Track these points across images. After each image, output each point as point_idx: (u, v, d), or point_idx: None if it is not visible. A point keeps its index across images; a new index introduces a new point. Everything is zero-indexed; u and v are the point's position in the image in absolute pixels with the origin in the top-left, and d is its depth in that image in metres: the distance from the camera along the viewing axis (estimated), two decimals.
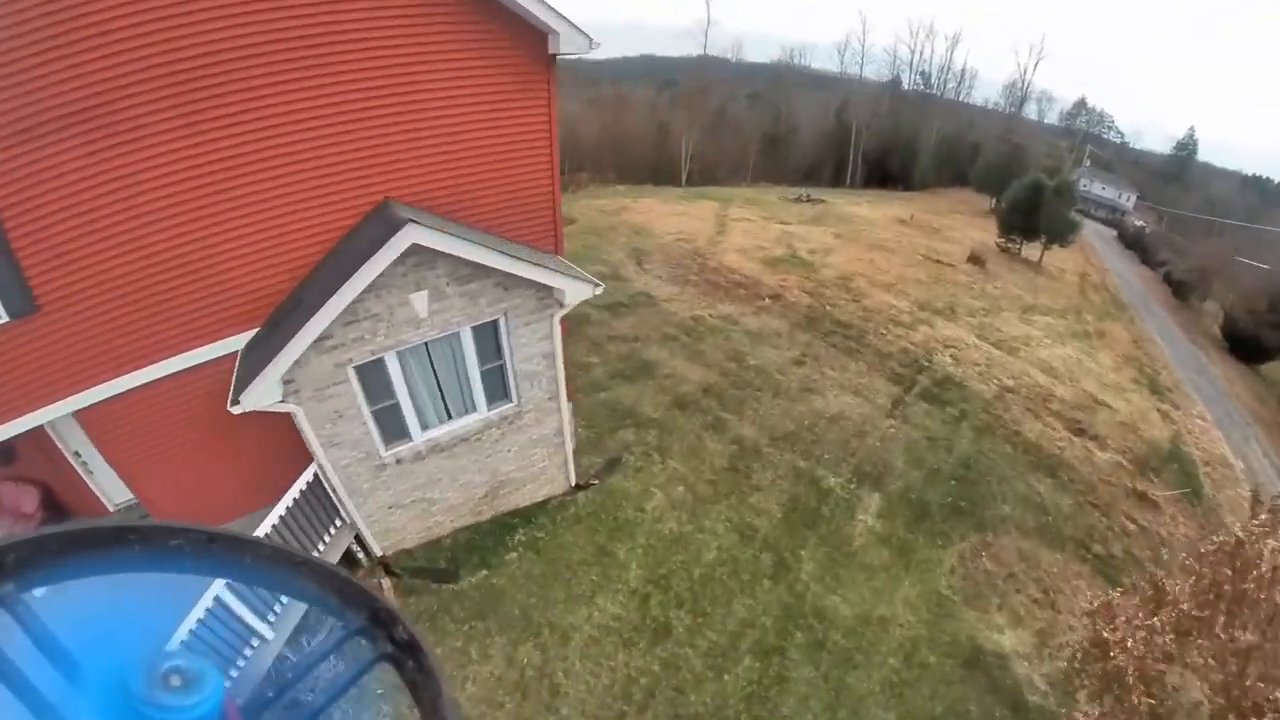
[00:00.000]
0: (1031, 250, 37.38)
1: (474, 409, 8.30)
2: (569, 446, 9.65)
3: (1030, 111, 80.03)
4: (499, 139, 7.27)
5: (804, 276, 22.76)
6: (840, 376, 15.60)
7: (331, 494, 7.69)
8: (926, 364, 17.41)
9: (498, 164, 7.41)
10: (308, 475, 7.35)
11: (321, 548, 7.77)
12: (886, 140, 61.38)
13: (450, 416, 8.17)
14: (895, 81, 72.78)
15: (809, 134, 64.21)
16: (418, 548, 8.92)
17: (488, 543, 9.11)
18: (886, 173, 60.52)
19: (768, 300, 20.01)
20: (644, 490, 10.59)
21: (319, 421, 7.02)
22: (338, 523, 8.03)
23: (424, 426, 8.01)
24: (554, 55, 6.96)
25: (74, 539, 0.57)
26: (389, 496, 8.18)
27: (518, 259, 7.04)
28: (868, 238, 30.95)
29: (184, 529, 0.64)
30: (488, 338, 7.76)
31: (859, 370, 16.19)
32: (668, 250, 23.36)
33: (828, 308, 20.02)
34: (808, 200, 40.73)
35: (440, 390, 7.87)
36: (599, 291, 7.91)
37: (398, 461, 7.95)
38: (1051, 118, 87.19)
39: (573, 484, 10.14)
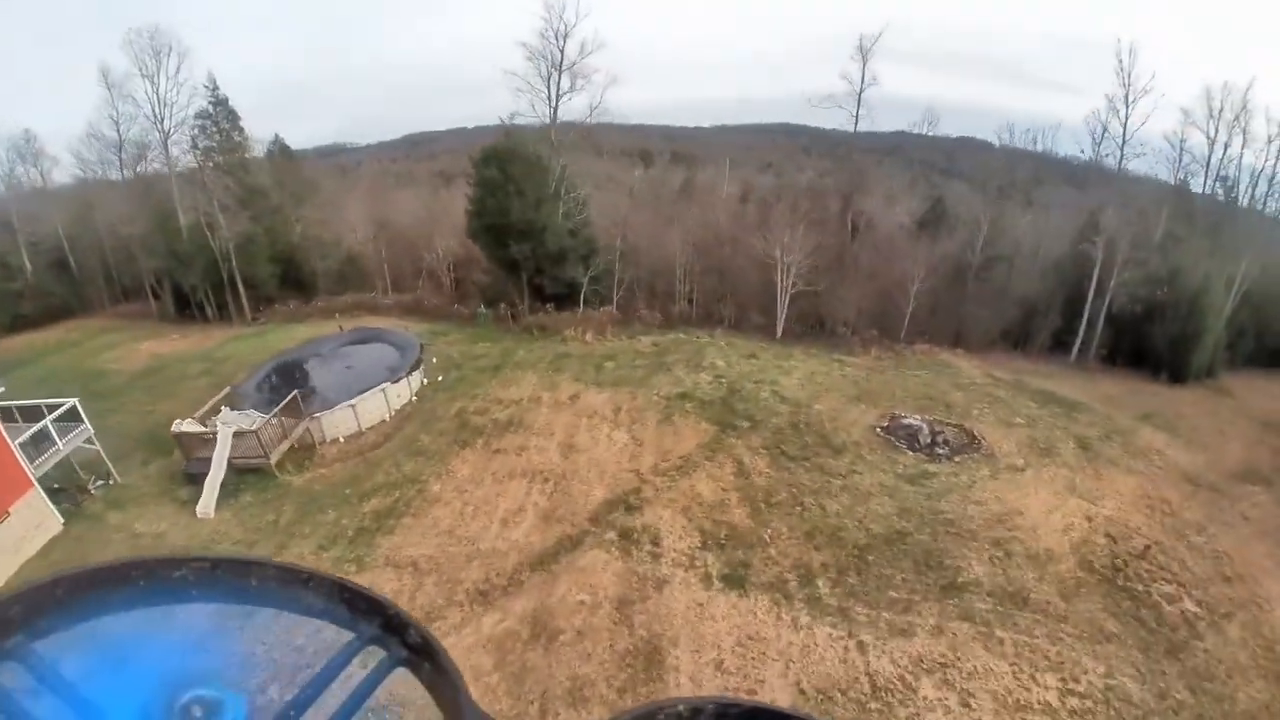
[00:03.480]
0: None
1: None
2: None
3: None
4: None
5: None
6: None
7: None
8: None
9: None
10: None
11: None
12: (1154, 287, 33.10)
13: None
14: (1181, 190, 40.09)
15: (1030, 262, 37.03)
16: None
17: None
18: (1143, 346, 36.89)
19: None
20: None
21: None
22: None
23: None
24: None
25: (78, 583, 0.57)
26: None
27: None
28: None
29: (187, 559, 0.65)
30: None
31: None
32: None
33: None
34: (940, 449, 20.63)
35: None
36: None
37: None
38: None
39: None
